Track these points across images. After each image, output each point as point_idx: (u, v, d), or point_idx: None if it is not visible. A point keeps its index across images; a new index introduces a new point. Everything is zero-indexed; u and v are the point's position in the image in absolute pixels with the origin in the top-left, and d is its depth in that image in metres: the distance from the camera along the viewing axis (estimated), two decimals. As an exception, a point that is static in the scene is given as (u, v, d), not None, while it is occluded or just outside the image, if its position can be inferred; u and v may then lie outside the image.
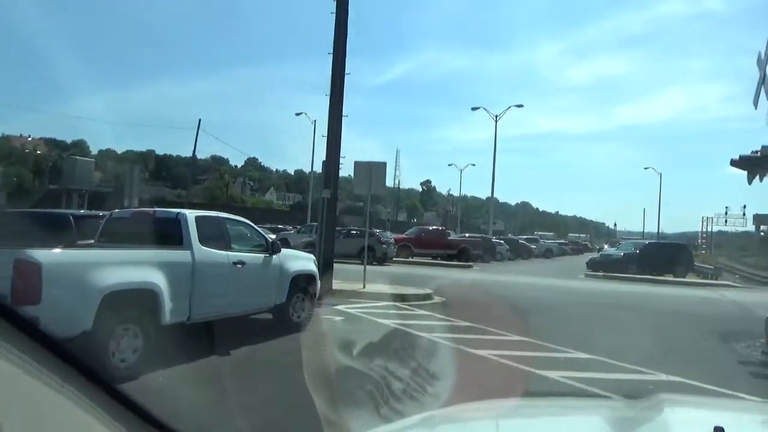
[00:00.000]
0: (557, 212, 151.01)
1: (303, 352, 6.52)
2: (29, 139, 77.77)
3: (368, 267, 14.62)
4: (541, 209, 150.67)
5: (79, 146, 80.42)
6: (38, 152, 73.09)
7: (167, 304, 6.38)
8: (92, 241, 7.81)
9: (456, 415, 1.87)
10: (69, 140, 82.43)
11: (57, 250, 5.79)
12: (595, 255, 32.92)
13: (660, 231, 58.16)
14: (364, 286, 13.62)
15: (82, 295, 5.57)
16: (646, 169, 57.16)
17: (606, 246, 48.03)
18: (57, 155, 71.66)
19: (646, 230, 67.60)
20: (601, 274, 26.55)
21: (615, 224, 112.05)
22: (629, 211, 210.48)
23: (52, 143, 79.95)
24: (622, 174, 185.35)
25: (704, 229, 71.52)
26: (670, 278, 25.65)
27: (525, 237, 50.15)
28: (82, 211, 11.91)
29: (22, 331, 0.93)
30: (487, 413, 1.78)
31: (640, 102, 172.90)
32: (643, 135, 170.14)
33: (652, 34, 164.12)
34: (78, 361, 1.02)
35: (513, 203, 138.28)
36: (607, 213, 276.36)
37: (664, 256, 27.74)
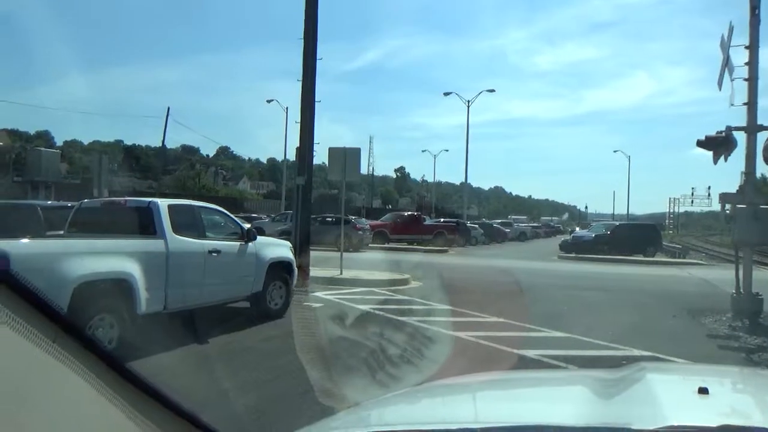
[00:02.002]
0: (530, 196, 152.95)
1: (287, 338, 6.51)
2: (-10, 130, 75.40)
3: (345, 254, 14.61)
4: (514, 194, 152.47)
5: (44, 137, 78.39)
6: (1, 144, 70.85)
7: (142, 294, 6.28)
8: (62, 232, 7.63)
9: (437, 388, 1.88)
10: (33, 131, 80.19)
11: (25, 241, 5.64)
12: (568, 237, 33.44)
13: (629, 213, 59.46)
14: (341, 273, 13.61)
15: (53, 285, 5.43)
16: (615, 152, 58.39)
17: (577, 228, 48.88)
18: (21, 147, 69.53)
19: (615, 212, 69.02)
20: (574, 255, 27.02)
21: (586, 207, 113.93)
22: (600, 194, 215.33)
23: (15, 134, 77.52)
24: (593, 158, 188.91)
25: (671, 210, 73.35)
26: (640, 258, 26.25)
27: (499, 221, 50.63)
28: (49, 202, 11.60)
29: (48, 317, 0.95)
30: (471, 385, 1.79)
31: (608, 87, 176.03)
32: (612, 119, 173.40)
33: (620, 19, 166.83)
34: (96, 347, 1.04)
35: (486, 188, 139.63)
36: (579, 196, 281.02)
37: (633, 237, 28.37)
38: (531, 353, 6.71)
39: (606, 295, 12.88)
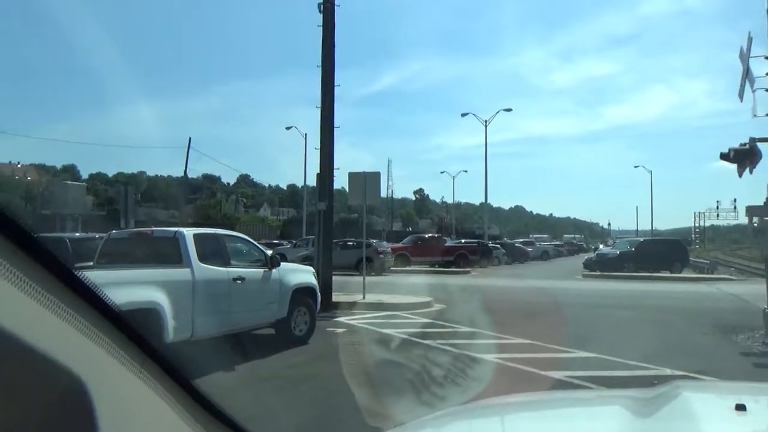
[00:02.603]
0: (551, 214, 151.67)
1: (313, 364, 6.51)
2: (18, 165, 77.53)
3: (367, 278, 14.62)
4: (534, 212, 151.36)
5: (70, 171, 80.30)
6: (29, 178, 72.79)
7: (170, 323, 6.37)
8: (91, 264, 7.79)
9: (476, 409, 1.89)
10: (59, 165, 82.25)
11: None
12: (592, 255, 33.02)
13: (653, 228, 58.47)
14: (363, 297, 13.61)
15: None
16: (636, 167, 57.56)
17: (601, 246, 48.22)
18: (48, 181, 71.35)
19: (639, 228, 68.02)
20: (598, 273, 26.64)
21: (609, 224, 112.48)
22: (622, 210, 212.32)
23: (42, 169, 79.66)
24: (614, 173, 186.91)
25: (697, 224, 72.06)
26: (667, 274, 25.77)
27: (520, 240, 50.20)
28: (77, 234, 11.86)
29: (105, 316, 0.95)
30: (508, 406, 1.80)
31: (627, 101, 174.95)
32: (632, 134, 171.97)
33: (637, 33, 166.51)
34: (154, 350, 1.05)
35: (506, 208, 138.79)
36: (600, 213, 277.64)
37: (659, 252, 27.90)
38: (559, 375, 6.61)
39: (633, 314, 12.66)
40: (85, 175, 79.97)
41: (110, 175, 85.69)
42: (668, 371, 6.75)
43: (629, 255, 27.83)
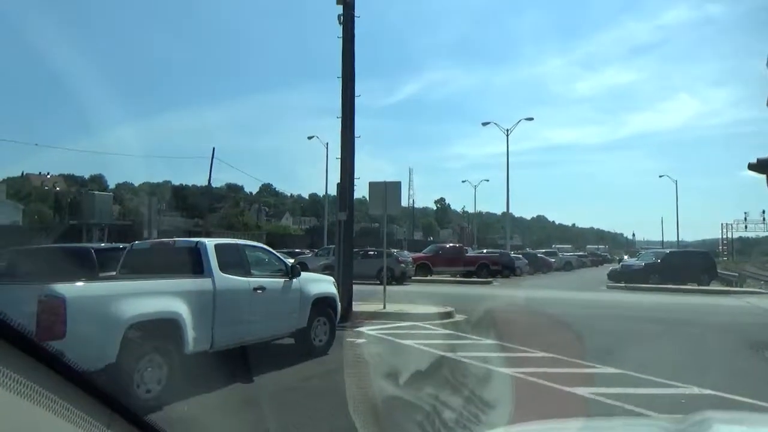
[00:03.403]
0: (574, 224, 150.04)
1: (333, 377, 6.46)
2: (48, 176, 79.38)
3: (388, 287, 14.56)
4: (557, 222, 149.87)
5: (97, 181, 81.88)
6: (57, 189, 74.43)
7: (190, 333, 6.38)
8: (114, 273, 7.88)
9: None
10: (87, 175, 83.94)
11: (80, 284, 5.83)
12: (616, 266, 32.46)
13: (679, 239, 57.36)
14: (384, 307, 13.54)
15: (106, 327, 5.60)
16: (661, 177, 56.58)
17: (626, 257, 47.45)
18: (76, 191, 72.81)
19: (665, 239, 66.75)
20: (623, 285, 26.18)
21: (633, 234, 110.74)
22: (647, 221, 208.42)
23: (70, 179, 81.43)
24: (638, 183, 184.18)
25: (724, 236, 70.42)
26: (694, 287, 25.19)
27: (543, 251, 49.66)
28: (103, 244, 12.04)
29: (54, 369, 0.89)
30: None
31: (650, 110, 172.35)
32: (655, 143, 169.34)
33: (659, 42, 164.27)
34: (122, 406, 1.00)
35: (528, 217, 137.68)
36: (624, 223, 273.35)
37: (686, 264, 27.31)
38: (583, 391, 6.45)
39: (660, 327, 12.37)
40: (112, 185, 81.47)
41: (136, 184, 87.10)
42: (696, 390, 6.55)
43: (655, 266, 27.29)
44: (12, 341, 0.81)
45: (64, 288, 5.45)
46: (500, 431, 1.97)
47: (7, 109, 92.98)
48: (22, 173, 78.40)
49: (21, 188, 71.01)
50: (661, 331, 11.86)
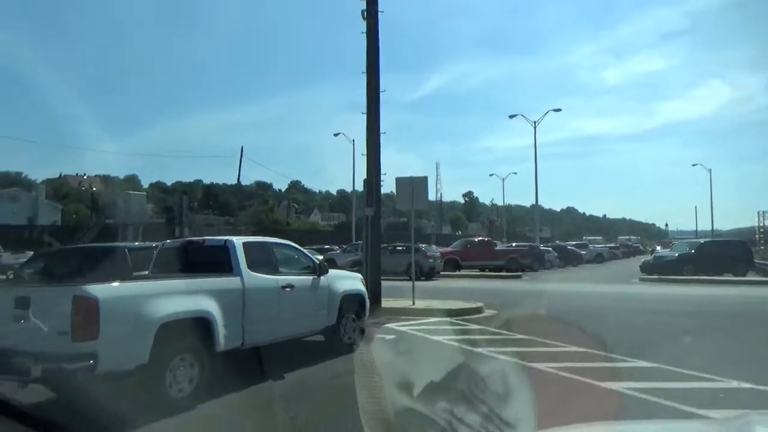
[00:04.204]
0: (605, 215, 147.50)
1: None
2: (85, 177, 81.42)
3: (416, 283, 14.53)
4: (587, 213, 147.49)
5: (132, 181, 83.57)
6: (94, 189, 76.28)
7: (221, 331, 6.46)
8: (147, 273, 8.02)
9: None
10: (122, 176, 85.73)
11: (113, 284, 5.94)
12: (649, 257, 31.80)
13: (714, 229, 55.88)
14: (413, 303, 13.52)
15: (138, 327, 5.69)
16: (694, 165, 55.22)
17: (658, 247, 46.43)
18: (111, 191, 74.50)
19: (699, 228, 65.16)
20: (656, 277, 25.63)
21: (666, 224, 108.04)
22: (680, 210, 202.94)
23: (106, 179, 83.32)
24: (670, 172, 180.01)
25: (761, 224, 68.19)
26: (730, 278, 24.51)
27: (573, 243, 48.93)
28: (136, 243, 12.28)
29: None
30: None
31: (682, 97, 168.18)
32: (688, 131, 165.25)
33: (690, 28, 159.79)
34: None
35: (558, 209, 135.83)
36: (657, 213, 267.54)
37: (721, 254, 26.51)
38: (617, 386, 6.33)
39: (695, 320, 12.06)
40: (146, 185, 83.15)
41: (169, 183, 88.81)
42: (734, 383, 6.37)
43: (689, 257, 26.62)
44: None
45: (97, 289, 5.56)
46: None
47: (44, 113, 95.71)
48: (60, 174, 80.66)
49: (59, 189, 72.98)
50: (696, 323, 11.57)
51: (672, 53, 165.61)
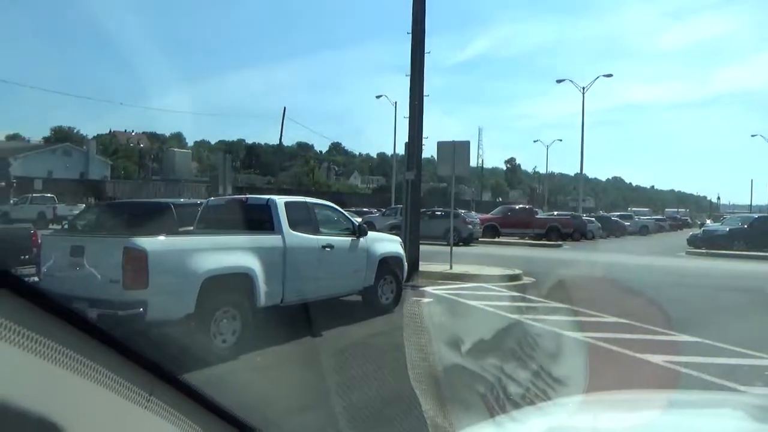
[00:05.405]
0: (652, 187, 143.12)
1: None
2: (133, 134, 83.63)
3: (454, 248, 14.51)
4: (634, 184, 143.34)
5: (177, 138, 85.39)
6: (141, 146, 78.34)
7: (262, 288, 6.63)
8: (191, 228, 8.25)
9: (588, 405, 1.79)
10: (168, 133, 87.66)
11: (160, 238, 6.15)
12: (697, 231, 30.80)
13: (771, 203, 53.49)
14: (450, 268, 13.54)
15: (184, 279, 5.91)
16: (753, 136, 52.53)
17: (708, 221, 44.90)
18: (158, 148, 76.37)
19: (754, 203, 62.55)
20: (704, 251, 24.86)
21: (718, 197, 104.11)
22: (734, 183, 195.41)
23: (153, 137, 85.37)
24: (725, 143, 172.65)
25: (823, 200, 64.93)
26: (785, 255, 23.56)
27: (618, 214, 47.75)
28: (182, 200, 12.62)
29: (92, 335, 0.87)
30: (622, 405, 1.69)
31: (744, 64, 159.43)
32: (748, 99, 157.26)
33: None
34: (165, 373, 0.98)
35: (603, 179, 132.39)
36: (708, 186, 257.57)
37: (776, 230, 25.44)
38: (656, 359, 6.24)
39: (743, 296, 11.70)
40: (190, 143, 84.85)
41: (213, 142, 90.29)
42: (782, 362, 6.19)
43: (741, 232, 25.64)
44: (45, 307, 0.79)
45: (146, 241, 5.77)
46: (577, 399, 1.92)
47: (95, 70, 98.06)
48: (110, 130, 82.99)
49: (109, 145, 75.20)
50: (743, 300, 11.22)
51: (736, 16, 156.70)
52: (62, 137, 67.41)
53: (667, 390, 4.47)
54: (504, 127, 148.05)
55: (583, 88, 41.01)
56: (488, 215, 31.91)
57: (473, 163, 74.78)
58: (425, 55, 13.54)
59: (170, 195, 36.20)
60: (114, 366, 0.88)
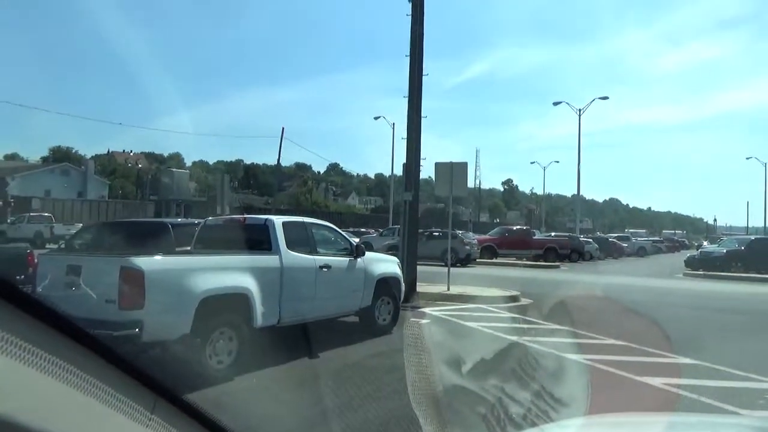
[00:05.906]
0: (649, 208, 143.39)
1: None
2: (131, 154, 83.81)
3: (452, 269, 14.48)
4: (631, 205, 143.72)
5: (175, 159, 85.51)
6: (140, 166, 78.42)
7: (259, 308, 6.59)
8: (189, 248, 8.22)
9: (589, 427, 1.77)
10: (166, 153, 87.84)
11: (158, 257, 6.12)
12: (694, 253, 30.83)
13: (767, 225, 53.66)
14: (448, 288, 13.49)
15: (181, 299, 5.87)
16: (748, 159, 53.01)
17: (705, 243, 44.99)
18: (156, 168, 76.41)
19: (750, 225, 62.75)
20: (702, 273, 24.85)
21: (715, 219, 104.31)
22: (730, 205, 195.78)
23: (151, 157, 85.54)
24: (722, 165, 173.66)
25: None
26: (782, 277, 23.54)
27: (615, 235, 47.83)
28: (179, 219, 12.61)
29: (94, 351, 0.87)
30: (623, 428, 1.68)
31: (739, 87, 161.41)
32: (743, 122, 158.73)
33: (752, 14, 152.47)
34: (166, 389, 0.97)
35: (600, 200, 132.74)
36: (705, 208, 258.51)
37: (774, 252, 25.46)
38: (654, 381, 6.20)
39: (741, 318, 11.68)
40: (189, 163, 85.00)
41: (211, 162, 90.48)
42: (782, 385, 6.15)
43: (738, 254, 25.67)
44: (49, 322, 0.79)
45: (143, 261, 5.75)
46: (579, 421, 1.90)
47: (93, 91, 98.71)
48: (108, 150, 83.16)
49: (107, 165, 75.32)
50: (743, 321, 11.20)
51: (731, 40, 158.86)
52: (60, 157, 67.56)
53: (667, 413, 4.43)
54: (501, 148, 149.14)
55: (580, 110, 41.34)
56: (486, 236, 31.92)
57: (471, 184, 75.01)
58: (423, 77, 13.68)
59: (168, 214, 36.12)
60: (116, 383, 0.88)
